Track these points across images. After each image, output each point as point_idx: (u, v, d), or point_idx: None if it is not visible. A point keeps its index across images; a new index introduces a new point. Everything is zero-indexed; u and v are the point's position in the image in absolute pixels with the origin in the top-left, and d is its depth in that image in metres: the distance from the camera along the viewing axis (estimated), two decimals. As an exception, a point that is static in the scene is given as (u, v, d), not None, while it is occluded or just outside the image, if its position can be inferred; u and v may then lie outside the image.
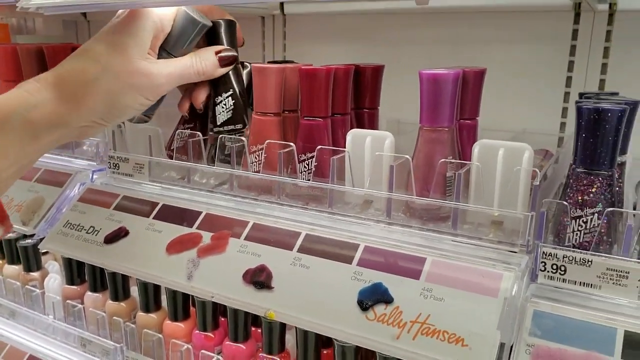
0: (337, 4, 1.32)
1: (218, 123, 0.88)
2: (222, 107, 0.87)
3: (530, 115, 1.13)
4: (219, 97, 0.87)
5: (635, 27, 1.03)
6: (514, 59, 1.14)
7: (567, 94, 1.10)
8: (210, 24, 0.82)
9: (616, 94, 0.78)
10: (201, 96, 0.85)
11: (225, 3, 0.90)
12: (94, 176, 1.03)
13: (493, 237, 0.65)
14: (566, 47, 1.09)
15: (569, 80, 1.09)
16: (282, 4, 1.44)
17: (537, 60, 1.12)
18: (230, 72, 0.86)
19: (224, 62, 0.81)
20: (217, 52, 0.81)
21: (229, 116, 0.87)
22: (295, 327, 0.74)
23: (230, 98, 0.87)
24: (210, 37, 0.85)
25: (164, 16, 0.74)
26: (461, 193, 0.67)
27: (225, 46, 0.83)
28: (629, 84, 1.04)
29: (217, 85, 0.87)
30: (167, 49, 0.77)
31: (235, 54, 0.84)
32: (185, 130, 0.96)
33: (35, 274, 1.12)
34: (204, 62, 0.79)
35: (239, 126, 0.88)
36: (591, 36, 1.06)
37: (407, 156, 0.72)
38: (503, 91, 1.12)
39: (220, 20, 0.85)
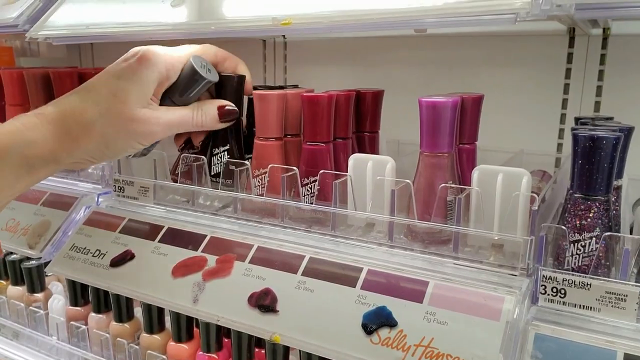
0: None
1: (211, 173, 0.91)
2: (217, 159, 0.90)
3: (527, 136, 1.15)
4: (216, 149, 0.90)
5: (629, 51, 1.05)
6: (512, 81, 1.17)
7: (563, 116, 1.13)
8: (217, 79, 0.81)
9: (611, 118, 0.80)
10: (200, 136, 0.87)
11: (226, 35, 0.92)
12: (100, 199, 1.05)
13: (494, 261, 0.66)
14: (562, 70, 1.11)
15: (565, 102, 1.12)
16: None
17: (533, 83, 1.15)
18: (232, 127, 0.88)
19: (224, 118, 0.82)
20: (219, 107, 0.81)
21: (221, 169, 0.90)
22: (299, 350, 0.75)
23: (225, 152, 0.90)
24: (217, 88, 0.85)
25: (170, 67, 0.74)
26: (462, 217, 0.69)
27: (228, 102, 0.83)
28: (624, 106, 1.06)
29: (217, 136, 0.89)
30: (171, 96, 0.77)
31: (237, 111, 0.83)
32: (190, 155, 0.97)
33: (39, 295, 1.13)
34: (204, 115, 0.79)
35: (229, 182, 0.90)
36: (586, 59, 1.09)
37: (408, 181, 0.74)
38: (501, 113, 1.15)
39: (231, 75, 0.85)
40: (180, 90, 0.77)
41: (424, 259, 0.70)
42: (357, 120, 0.96)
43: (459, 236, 0.69)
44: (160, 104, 0.75)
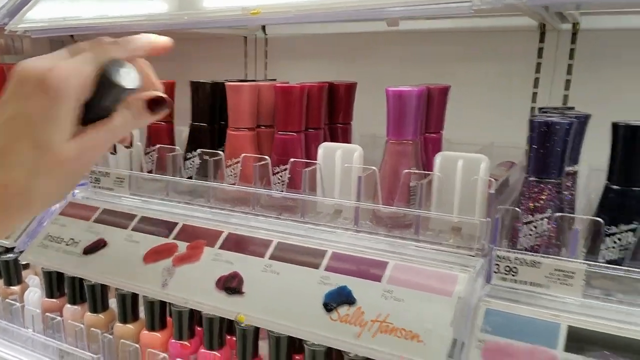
0: (315, 25, 1.37)
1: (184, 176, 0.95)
2: (190, 164, 0.94)
3: (498, 129, 1.17)
4: (190, 153, 0.94)
5: (597, 45, 1.08)
6: (483, 76, 1.19)
7: (533, 109, 1.15)
8: (141, 82, 0.60)
9: (572, 108, 0.82)
10: (128, 138, 0.69)
11: (199, 26, 0.94)
12: (76, 191, 1.05)
13: (453, 243, 0.68)
14: (532, 64, 1.14)
15: (534, 95, 1.14)
16: (264, 25, 1.49)
17: (505, 77, 1.17)
18: (207, 131, 0.91)
19: (156, 110, 0.63)
20: (147, 101, 0.62)
21: (193, 174, 0.94)
22: (268, 334, 0.77)
23: (197, 158, 0.92)
24: None
25: (83, 86, 0.56)
26: (424, 201, 0.71)
27: (153, 92, 0.64)
28: (591, 98, 1.08)
29: (191, 141, 0.94)
30: (87, 113, 0.59)
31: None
32: (165, 147, 0.99)
33: (15, 288, 1.13)
34: (135, 116, 0.62)
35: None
36: (555, 54, 1.12)
37: (374, 167, 0.76)
38: (473, 106, 1.17)
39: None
40: (99, 105, 0.59)
41: (387, 242, 0.72)
42: (330, 112, 0.98)
43: (420, 220, 0.71)
44: (82, 123, 0.58)
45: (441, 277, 0.62)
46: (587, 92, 1.10)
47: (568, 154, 0.64)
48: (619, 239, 0.60)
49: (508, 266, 0.61)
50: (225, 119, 0.99)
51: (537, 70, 1.14)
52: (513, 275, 0.61)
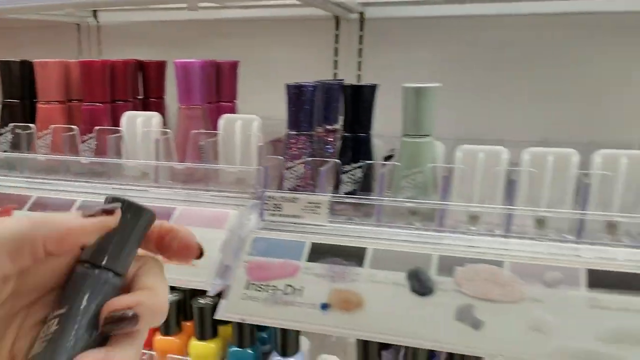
0: (147, 12, 1.43)
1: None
2: (4, 139, 0.97)
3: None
4: (3, 129, 0.97)
5: (380, 32, 1.28)
6: (292, 60, 1.35)
7: (333, 88, 1.33)
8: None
9: (341, 80, 1.00)
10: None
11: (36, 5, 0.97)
12: None
13: (235, 190, 0.81)
14: (331, 49, 1.32)
15: (335, 75, 1.32)
16: (94, 12, 1.52)
17: (311, 60, 1.34)
18: (19, 107, 0.97)
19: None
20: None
21: (7, 148, 0.97)
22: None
23: (10, 133, 0.96)
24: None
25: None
26: (211, 158, 0.83)
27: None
28: (378, 76, 1.28)
29: (4, 117, 0.98)
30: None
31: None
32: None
33: None
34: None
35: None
36: (348, 40, 1.30)
37: (170, 130, 0.86)
38: (282, 87, 1.32)
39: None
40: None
41: (183, 194, 0.83)
42: (145, 88, 1.07)
43: (209, 173, 0.83)
44: None
45: (217, 216, 0.75)
46: (374, 71, 1.30)
47: (317, 112, 0.79)
48: (352, 175, 0.77)
49: (275, 204, 0.75)
50: (36, 97, 1.03)
51: (336, 54, 1.32)
52: (279, 211, 0.75)
